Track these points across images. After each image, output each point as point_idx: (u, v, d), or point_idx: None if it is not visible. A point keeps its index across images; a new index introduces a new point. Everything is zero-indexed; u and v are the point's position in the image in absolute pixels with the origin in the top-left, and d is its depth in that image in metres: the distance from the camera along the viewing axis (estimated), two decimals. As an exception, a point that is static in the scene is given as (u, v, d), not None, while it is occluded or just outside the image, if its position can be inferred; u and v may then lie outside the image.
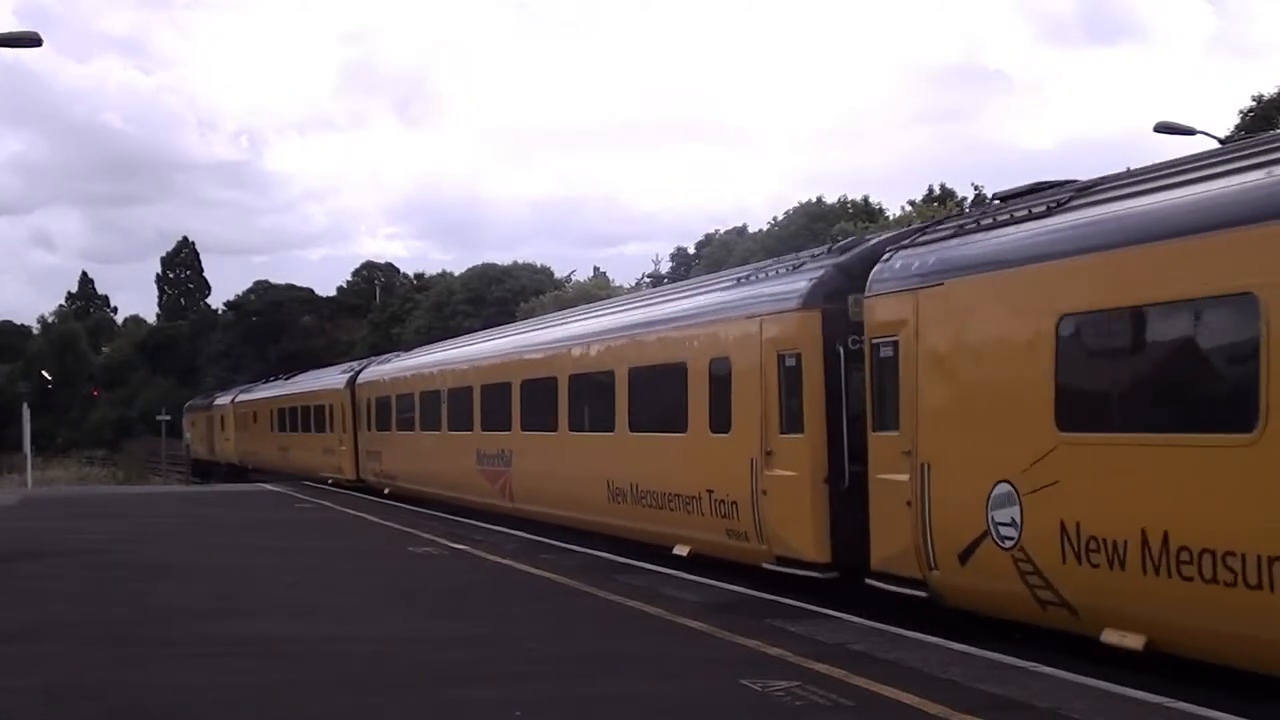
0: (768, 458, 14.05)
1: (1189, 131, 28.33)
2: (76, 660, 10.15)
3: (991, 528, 10.37)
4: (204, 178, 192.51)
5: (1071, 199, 10.47)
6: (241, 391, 54.35)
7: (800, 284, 14.08)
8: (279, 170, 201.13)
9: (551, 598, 13.83)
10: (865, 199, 61.28)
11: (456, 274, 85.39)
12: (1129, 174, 10.61)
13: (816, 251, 15.30)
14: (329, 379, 39.15)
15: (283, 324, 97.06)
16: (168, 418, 73.08)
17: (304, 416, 40.40)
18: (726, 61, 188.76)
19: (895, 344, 11.94)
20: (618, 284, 67.70)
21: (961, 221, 12.17)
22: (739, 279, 16.25)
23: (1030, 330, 10.19)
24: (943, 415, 11.26)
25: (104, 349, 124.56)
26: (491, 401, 23.58)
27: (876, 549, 12.11)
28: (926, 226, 13.26)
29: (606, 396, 18.33)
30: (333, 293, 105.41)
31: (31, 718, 8.20)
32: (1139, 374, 9.47)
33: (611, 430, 18.11)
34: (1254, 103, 43.89)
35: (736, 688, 8.82)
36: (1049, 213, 10.53)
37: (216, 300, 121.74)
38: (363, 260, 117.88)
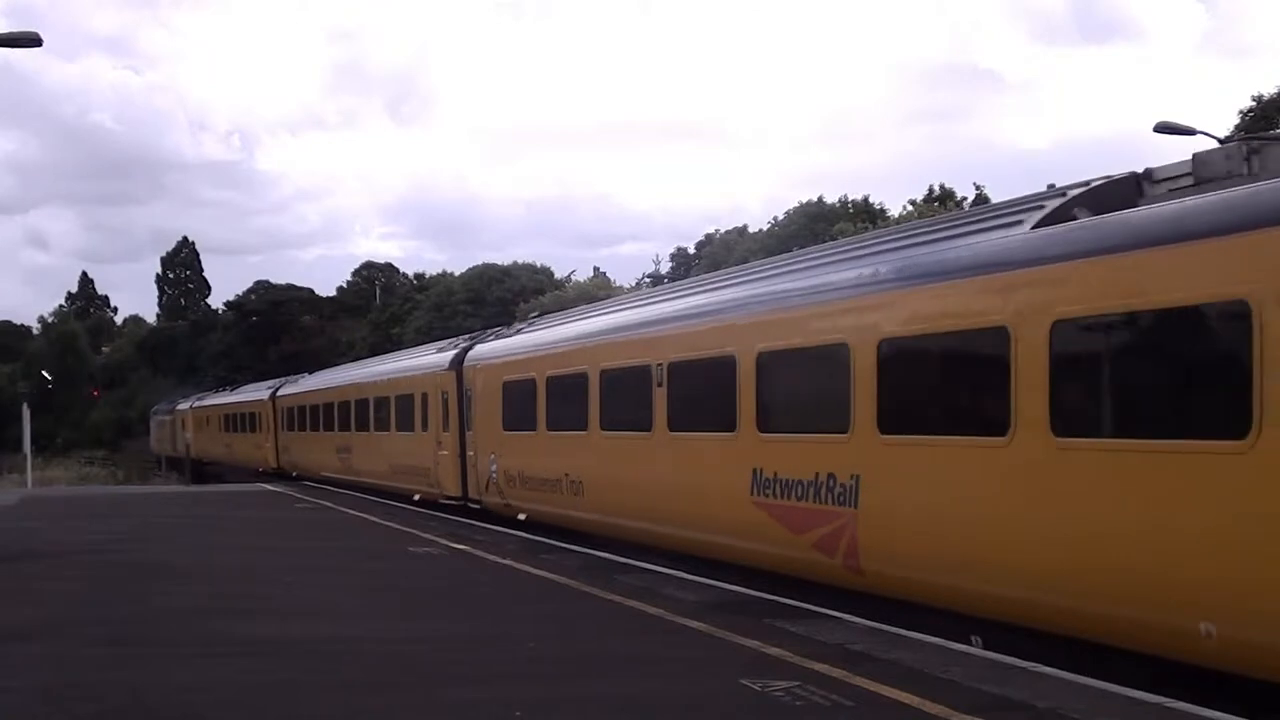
0: (439, 445, 26.72)
1: (1189, 131, 28.29)
2: (76, 660, 10.16)
3: (492, 474, 23.07)
4: (197, 177, 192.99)
5: (522, 328, 24.87)
6: (198, 400, 65.23)
7: (452, 355, 26.65)
8: (271, 170, 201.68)
9: (552, 598, 13.84)
10: (865, 199, 61.34)
11: (456, 274, 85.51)
12: (541, 316, 27.51)
13: (467, 336, 29.52)
14: (258, 393, 50.44)
15: (283, 324, 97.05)
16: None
17: (241, 420, 52.09)
18: (721, 61, 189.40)
19: (472, 390, 24.74)
20: (618, 284, 67.78)
21: (499, 330, 26.84)
22: (439, 349, 29.79)
23: (495, 388, 23.15)
24: (480, 426, 24.02)
25: (104, 349, 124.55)
26: (342, 413, 36.32)
27: (469, 488, 24.89)
28: (493, 329, 28.58)
29: (386, 411, 31.53)
30: (331, 293, 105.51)
31: (31, 718, 8.20)
32: (520, 407, 21.64)
33: (389, 431, 31.30)
34: (1254, 103, 43.92)
35: (736, 687, 8.82)
36: (515, 334, 24.37)
37: (216, 300, 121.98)
38: (357, 259, 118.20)
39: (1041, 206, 11.11)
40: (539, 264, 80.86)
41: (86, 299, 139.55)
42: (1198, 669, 8.57)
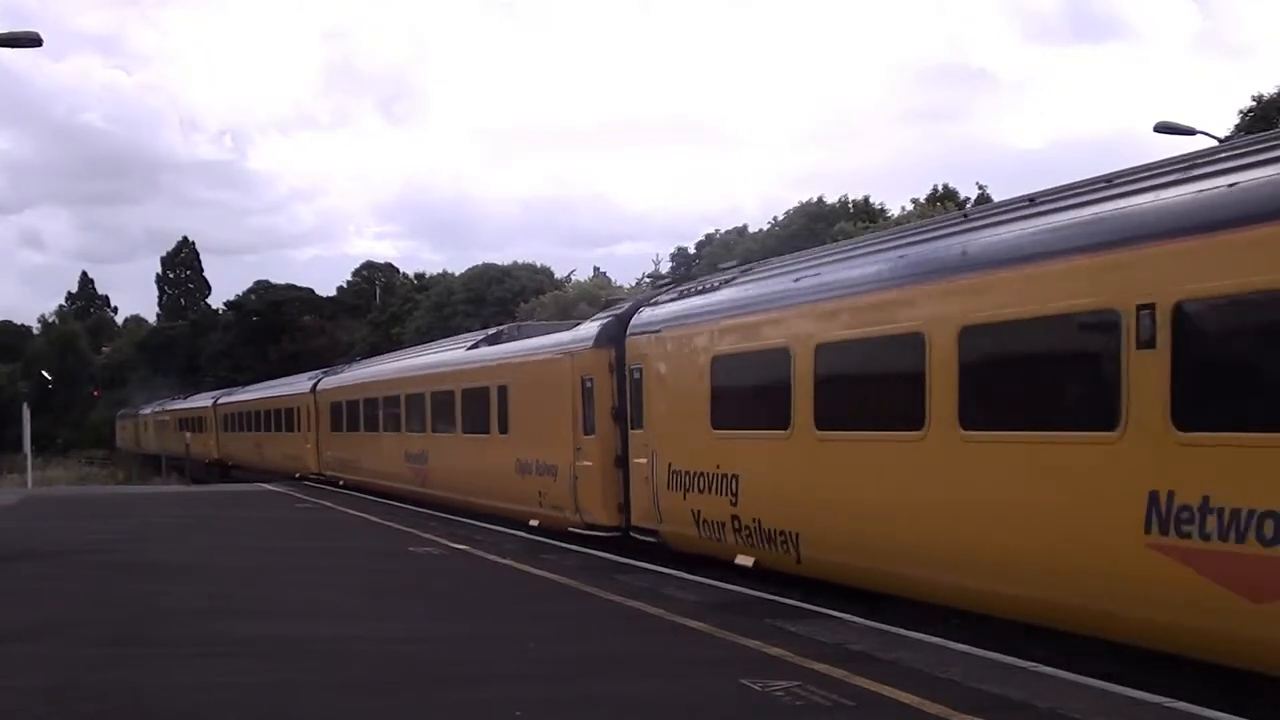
0: (306, 441, 40.27)
1: (1189, 131, 28.32)
2: (77, 660, 10.15)
3: (327, 458, 38.56)
4: (190, 177, 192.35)
5: (348, 368, 40.85)
6: (157, 405, 78.82)
7: (311, 383, 41.27)
8: (264, 170, 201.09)
9: (552, 598, 13.84)
10: (866, 199, 61.31)
11: (456, 274, 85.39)
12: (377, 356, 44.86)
13: (323, 369, 44.66)
14: (203, 401, 64.94)
15: (283, 324, 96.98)
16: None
17: (192, 423, 64.30)
18: (717, 61, 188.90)
19: (320, 407, 39.29)
20: (618, 284, 67.67)
21: (338, 367, 42.99)
22: (309, 377, 43.28)
23: (327, 407, 38.75)
24: (322, 429, 39.13)
25: (104, 349, 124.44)
26: (256, 418, 49.90)
27: (321, 467, 39.32)
28: (337, 365, 45.30)
29: (280, 419, 45.06)
30: (327, 292, 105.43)
31: (31, 718, 8.19)
32: (337, 418, 36.84)
33: (282, 432, 44.61)
34: (1254, 102, 43.90)
35: (737, 687, 8.82)
36: (341, 371, 40.83)
37: (215, 300, 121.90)
38: (352, 259, 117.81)
39: (475, 336, 28.70)
40: (539, 264, 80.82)
41: (87, 299, 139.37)
42: (1198, 670, 8.57)
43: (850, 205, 59.91)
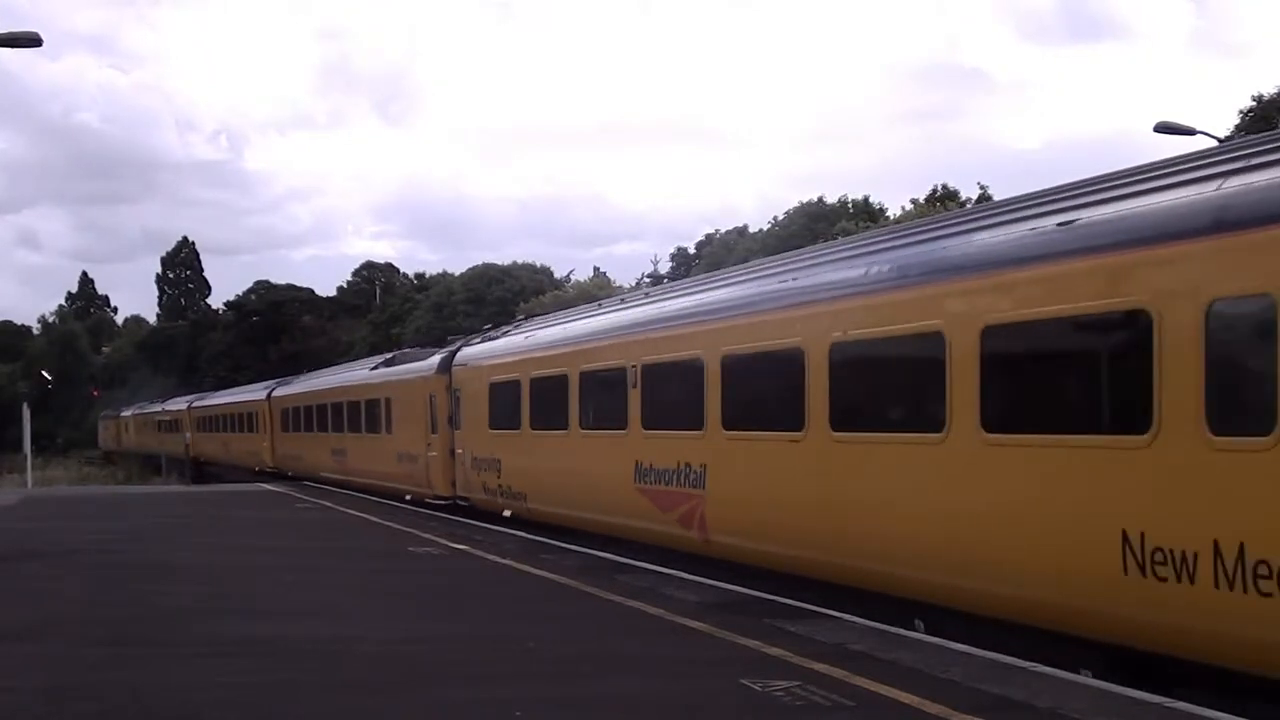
0: (263, 440, 48.19)
1: (1189, 131, 28.34)
2: (76, 660, 10.16)
3: (280, 454, 46.62)
4: (186, 177, 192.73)
5: (297, 380, 48.39)
6: (137, 408, 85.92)
7: (266, 392, 49.36)
8: (261, 170, 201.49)
9: (552, 598, 13.84)
10: (866, 199, 61.29)
11: (455, 274, 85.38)
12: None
13: (279, 380, 52.96)
14: (179, 405, 70.77)
15: (283, 324, 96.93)
16: (167, 418, 74.03)
17: (169, 424, 71.33)
18: (715, 61, 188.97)
19: (275, 411, 47.28)
20: (618, 284, 67.70)
21: (289, 379, 50.67)
22: (264, 387, 51.22)
23: (279, 412, 46.81)
24: (275, 430, 47.15)
25: (104, 349, 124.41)
26: (225, 420, 57.13)
27: (276, 462, 47.09)
28: (288, 378, 52.59)
29: (244, 421, 52.41)
30: (326, 292, 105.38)
31: (31, 718, 8.19)
32: (286, 421, 45.42)
33: (246, 433, 51.73)
34: (1254, 102, 43.89)
35: (737, 687, 8.82)
36: (292, 382, 48.35)
37: (215, 300, 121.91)
38: (350, 259, 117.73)
39: (379, 359, 36.35)
40: (539, 264, 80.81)
41: (87, 299, 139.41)
42: (1198, 670, 8.58)
43: (850, 205, 59.91)
